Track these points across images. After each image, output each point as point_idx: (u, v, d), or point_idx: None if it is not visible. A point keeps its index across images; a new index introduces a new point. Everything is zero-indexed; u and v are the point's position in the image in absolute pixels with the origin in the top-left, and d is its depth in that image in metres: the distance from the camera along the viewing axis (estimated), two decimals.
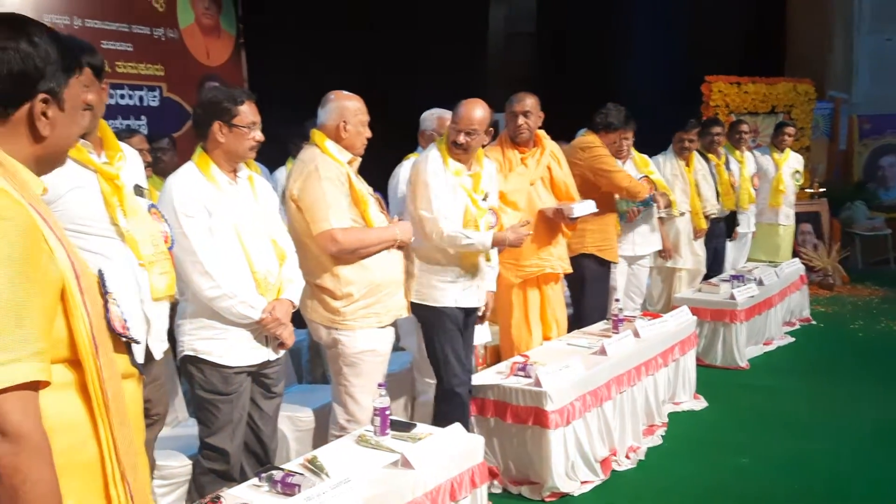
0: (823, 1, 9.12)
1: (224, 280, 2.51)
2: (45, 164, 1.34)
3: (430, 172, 3.32)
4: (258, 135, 2.67)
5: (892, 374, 5.12)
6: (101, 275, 1.36)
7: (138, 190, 2.40)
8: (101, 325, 1.29)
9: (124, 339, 1.37)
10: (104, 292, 1.34)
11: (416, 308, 3.34)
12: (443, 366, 3.38)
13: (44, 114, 1.29)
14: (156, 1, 7.15)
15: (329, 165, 2.94)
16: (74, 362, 1.24)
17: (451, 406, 3.35)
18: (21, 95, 1.27)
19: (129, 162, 2.43)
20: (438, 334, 3.39)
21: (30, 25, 1.28)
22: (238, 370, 2.64)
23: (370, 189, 3.13)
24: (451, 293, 3.40)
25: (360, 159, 3.09)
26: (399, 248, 3.07)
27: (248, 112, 2.64)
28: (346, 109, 3.01)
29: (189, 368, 2.64)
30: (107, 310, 1.32)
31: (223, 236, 2.57)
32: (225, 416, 2.62)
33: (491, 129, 3.40)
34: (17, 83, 1.25)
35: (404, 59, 8.49)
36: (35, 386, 1.14)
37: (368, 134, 3.08)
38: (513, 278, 3.95)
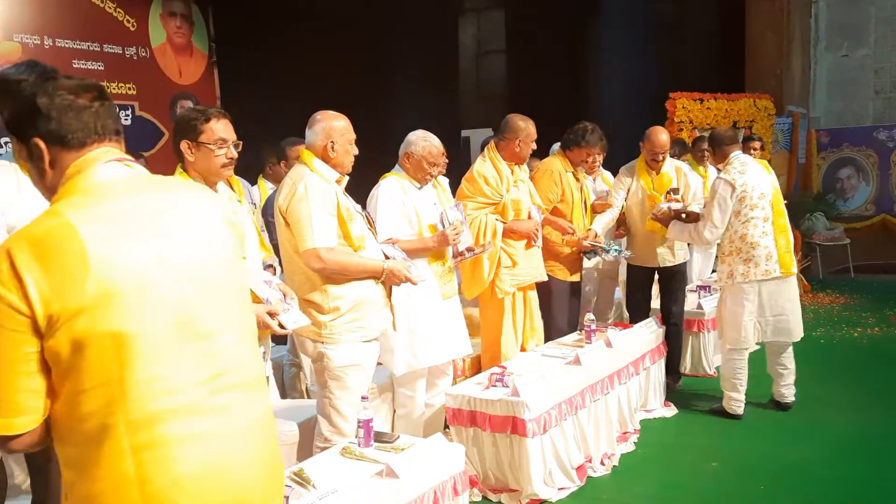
0: (782, 19, 9.42)
1: None
2: None
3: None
4: (230, 151, 2.64)
5: (852, 379, 5.32)
6: None
7: None
8: None
9: None
10: None
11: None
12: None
13: None
14: (127, 20, 7.17)
15: (316, 184, 2.99)
16: None
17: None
18: None
19: None
20: None
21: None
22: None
23: (358, 207, 3.19)
24: None
25: (347, 177, 3.17)
26: (383, 283, 3.10)
27: (216, 129, 2.62)
28: (334, 129, 3.08)
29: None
30: None
31: None
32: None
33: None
34: None
35: (376, 79, 8.59)
36: None
37: (356, 152, 3.15)
38: (507, 287, 4.15)
